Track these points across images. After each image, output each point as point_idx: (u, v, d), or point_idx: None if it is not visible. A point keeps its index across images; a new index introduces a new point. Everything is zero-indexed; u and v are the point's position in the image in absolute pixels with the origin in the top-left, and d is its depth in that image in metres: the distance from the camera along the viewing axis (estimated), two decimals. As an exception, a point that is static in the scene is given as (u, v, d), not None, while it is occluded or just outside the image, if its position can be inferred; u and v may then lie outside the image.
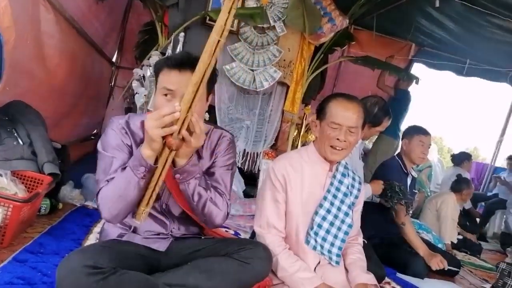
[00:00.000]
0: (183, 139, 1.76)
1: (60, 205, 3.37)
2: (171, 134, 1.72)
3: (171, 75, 1.94)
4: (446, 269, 3.85)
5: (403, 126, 7.04)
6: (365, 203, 2.83)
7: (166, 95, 1.93)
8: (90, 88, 5.68)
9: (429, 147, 4.17)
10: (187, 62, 1.93)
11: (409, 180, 4.18)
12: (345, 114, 2.38)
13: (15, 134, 3.05)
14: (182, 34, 4.37)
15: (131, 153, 1.99)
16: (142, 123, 1.97)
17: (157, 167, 1.80)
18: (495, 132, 9.71)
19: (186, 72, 1.92)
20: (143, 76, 4.20)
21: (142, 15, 6.78)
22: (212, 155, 2.19)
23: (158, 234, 2.15)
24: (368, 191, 3.73)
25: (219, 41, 1.73)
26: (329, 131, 2.40)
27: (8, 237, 2.45)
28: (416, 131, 4.15)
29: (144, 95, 4.10)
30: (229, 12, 1.74)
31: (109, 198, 1.85)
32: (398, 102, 6.80)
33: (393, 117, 6.75)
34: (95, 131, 7.42)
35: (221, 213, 2.08)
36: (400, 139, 6.75)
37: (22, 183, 2.80)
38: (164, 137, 1.74)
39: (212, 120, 4.73)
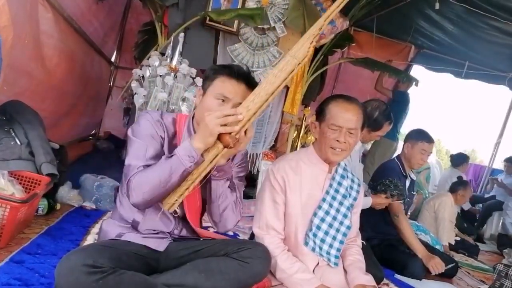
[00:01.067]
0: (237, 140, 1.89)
1: (58, 206, 3.34)
2: (229, 133, 1.85)
3: (231, 84, 2.09)
4: (443, 271, 3.84)
5: (403, 128, 7.05)
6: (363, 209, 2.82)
7: (221, 100, 2.07)
8: (89, 88, 5.66)
9: (430, 154, 4.15)
10: (245, 76, 2.12)
11: (407, 183, 4.17)
12: (345, 116, 2.38)
13: (13, 134, 3.03)
14: (182, 34, 4.35)
15: (162, 145, 2.09)
16: (174, 120, 2.18)
17: (203, 160, 1.90)
18: (493, 134, 9.75)
19: (242, 84, 2.10)
20: (143, 77, 4.18)
21: (141, 15, 6.77)
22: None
23: (158, 233, 2.15)
24: (367, 202, 3.72)
25: (299, 64, 1.98)
26: (329, 133, 2.39)
27: (5, 238, 2.43)
28: (421, 137, 4.09)
29: (143, 96, 4.08)
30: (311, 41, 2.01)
31: (147, 183, 1.89)
32: (397, 104, 6.80)
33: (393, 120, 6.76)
34: (93, 131, 7.41)
35: (235, 218, 2.22)
36: (399, 141, 6.78)
37: (20, 183, 2.78)
38: (219, 135, 1.85)
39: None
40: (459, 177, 6.26)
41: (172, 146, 2.10)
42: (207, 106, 2.07)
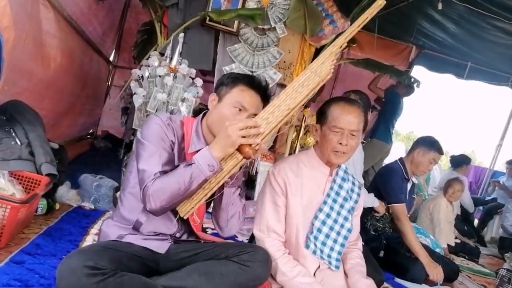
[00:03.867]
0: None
1: (57, 206, 3.34)
2: (249, 144, 1.89)
3: (249, 94, 2.12)
4: (441, 283, 3.81)
5: (401, 129, 7.05)
6: (364, 207, 2.81)
7: (238, 109, 2.08)
8: (88, 87, 5.66)
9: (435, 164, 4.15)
10: (263, 88, 2.17)
11: (409, 186, 4.14)
12: (346, 118, 2.36)
13: (13, 134, 3.02)
14: (181, 34, 4.33)
15: (173, 149, 2.08)
16: (181, 123, 2.17)
17: (221, 169, 1.93)
18: (494, 136, 9.73)
19: (258, 95, 2.14)
20: (142, 77, 4.17)
21: (140, 15, 6.79)
22: None
23: (159, 235, 2.14)
24: (374, 201, 3.72)
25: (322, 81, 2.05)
26: (331, 136, 2.38)
27: (5, 238, 2.42)
28: (434, 147, 4.04)
29: (143, 96, 4.07)
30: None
31: (166, 190, 1.88)
32: (389, 104, 6.80)
33: (385, 121, 6.73)
34: (91, 131, 7.40)
35: (240, 224, 2.27)
36: (392, 143, 6.77)
37: (20, 183, 2.77)
38: (239, 145, 1.89)
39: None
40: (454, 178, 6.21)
41: (181, 150, 2.11)
42: (223, 114, 2.08)
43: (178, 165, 2.01)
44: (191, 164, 1.89)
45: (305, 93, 2.03)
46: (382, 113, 6.89)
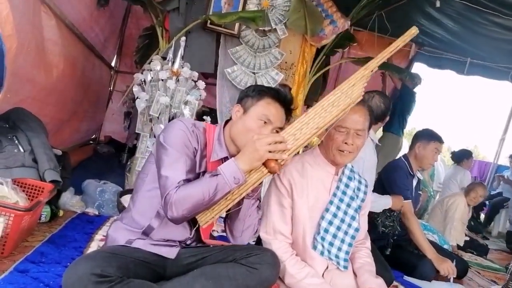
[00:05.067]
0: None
1: (61, 212, 3.33)
2: (275, 159, 1.90)
3: (275, 108, 2.12)
4: (454, 276, 3.80)
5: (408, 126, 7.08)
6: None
7: (264, 122, 2.08)
8: (90, 93, 5.65)
9: (439, 153, 4.13)
10: (288, 101, 2.17)
11: (414, 182, 4.13)
12: (352, 117, 2.34)
13: (16, 141, 3.02)
14: (183, 38, 4.34)
15: (195, 156, 2.07)
16: (204, 130, 2.16)
17: (245, 182, 1.94)
18: (496, 130, 9.74)
19: (283, 109, 2.15)
20: (144, 81, 4.17)
21: (141, 20, 6.81)
22: None
23: (168, 241, 2.12)
24: (387, 202, 3.70)
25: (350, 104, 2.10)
26: (337, 135, 2.36)
27: (9, 246, 2.41)
28: (433, 137, 4.05)
29: (145, 100, 4.07)
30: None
31: (190, 199, 1.87)
32: (405, 99, 6.85)
33: (398, 115, 6.74)
34: (94, 136, 7.40)
35: (253, 235, 2.30)
36: (403, 137, 6.78)
37: (23, 191, 2.77)
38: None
39: (213, 123, 4.72)
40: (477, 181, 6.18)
41: (202, 157, 2.10)
42: (249, 126, 2.07)
43: (199, 173, 2.02)
44: (216, 175, 1.88)
45: (335, 113, 2.06)
46: (396, 107, 6.91)
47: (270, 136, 1.92)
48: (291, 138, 1.97)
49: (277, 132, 2.06)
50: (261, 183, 2.05)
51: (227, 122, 2.22)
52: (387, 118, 3.71)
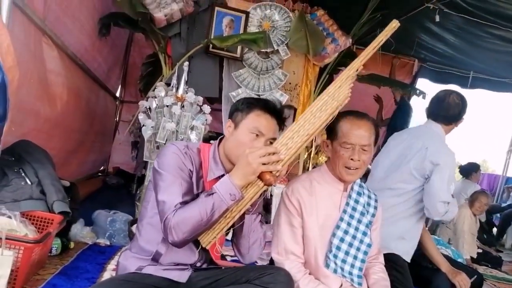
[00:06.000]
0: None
1: (72, 244, 3.31)
2: (270, 171, 1.87)
3: (267, 119, 2.09)
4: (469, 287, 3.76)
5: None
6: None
7: (256, 134, 2.05)
8: (96, 124, 5.68)
9: None
10: (277, 111, 2.14)
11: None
12: (357, 133, 2.32)
13: (23, 174, 3.02)
14: (186, 63, 4.36)
15: (191, 177, 2.04)
16: (198, 150, 2.13)
17: (242, 198, 1.91)
18: (503, 143, 9.71)
19: (274, 119, 2.11)
20: (149, 108, 4.18)
21: (144, 48, 6.86)
22: None
23: (178, 264, 2.09)
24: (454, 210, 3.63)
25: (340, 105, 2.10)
26: (342, 152, 2.33)
27: (20, 280, 2.38)
28: None
29: (151, 127, 4.07)
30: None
31: (188, 222, 1.85)
32: (403, 113, 6.87)
33: (396, 129, 6.77)
34: (102, 167, 7.40)
35: (261, 250, 2.26)
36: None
37: (32, 223, 2.75)
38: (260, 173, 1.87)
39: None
40: (479, 190, 6.16)
41: (199, 178, 2.08)
42: (241, 141, 2.05)
43: (197, 194, 1.99)
44: (212, 194, 1.86)
45: (323, 118, 2.04)
46: (396, 121, 6.89)
47: (262, 148, 1.89)
48: (283, 148, 1.94)
49: (271, 143, 2.04)
50: (260, 196, 2.02)
51: (221, 139, 2.21)
52: (463, 120, 3.50)
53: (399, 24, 2.17)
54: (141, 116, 4.19)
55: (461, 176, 7.84)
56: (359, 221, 2.45)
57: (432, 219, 4.67)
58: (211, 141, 2.60)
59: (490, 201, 5.67)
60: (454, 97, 3.30)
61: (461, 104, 3.30)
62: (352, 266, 2.39)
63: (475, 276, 3.96)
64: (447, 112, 3.26)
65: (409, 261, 3.27)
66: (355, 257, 2.40)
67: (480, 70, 8.20)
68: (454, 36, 6.72)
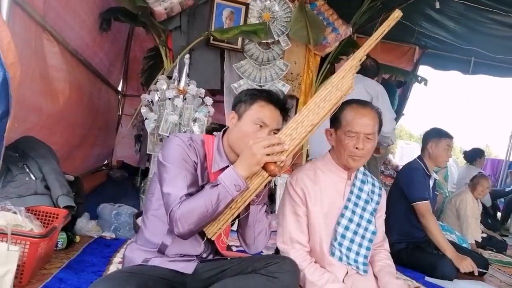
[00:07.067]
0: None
1: (77, 238, 3.32)
2: (274, 162, 1.87)
3: (270, 110, 2.08)
4: (476, 273, 3.77)
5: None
6: (387, 208, 2.75)
7: (259, 125, 2.05)
8: (99, 118, 5.69)
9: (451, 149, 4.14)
10: (281, 102, 2.12)
11: (431, 182, 4.15)
12: (361, 122, 2.32)
13: (27, 169, 3.03)
14: (187, 55, 4.35)
15: (196, 169, 2.05)
16: (202, 142, 2.14)
17: (247, 188, 1.92)
18: (506, 127, 9.72)
19: (278, 110, 2.10)
20: (151, 101, 4.18)
21: (145, 42, 6.84)
22: None
23: (184, 256, 2.10)
24: None
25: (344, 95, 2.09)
26: (347, 140, 2.33)
27: (27, 275, 2.40)
28: (443, 134, 4.13)
29: (154, 120, 4.08)
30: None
31: (193, 213, 1.86)
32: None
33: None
34: (106, 161, 7.42)
35: (266, 240, 2.25)
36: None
37: (38, 218, 2.76)
38: (264, 163, 1.87)
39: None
40: (479, 173, 6.16)
41: (204, 169, 2.08)
42: (244, 132, 2.05)
43: (202, 186, 1.99)
44: (217, 185, 1.87)
45: (327, 108, 2.03)
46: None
47: (266, 139, 1.89)
48: (287, 139, 1.94)
49: (275, 134, 2.03)
50: (265, 186, 2.04)
51: (225, 131, 2.21)
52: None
53: (401, 14, 2.16)
54: (144, 110, 4.19)
55: (464, 161, 7.85)
56: (364, 209, 2.46)
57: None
58: (214, 133, 2.62)
59: (490, 184, 5.68)
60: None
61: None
62: (357, 253, 2.41)
63: (484, 270, 3.98)
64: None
65: None
66: (360, 245, 2.42)
67: (481, 56, 8.19)
68: (454, 22, 6.73)
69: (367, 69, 4.78)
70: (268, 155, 1.85)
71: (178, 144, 2.03)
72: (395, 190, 4.16)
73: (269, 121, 2.05)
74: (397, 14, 2.15)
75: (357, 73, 4.48)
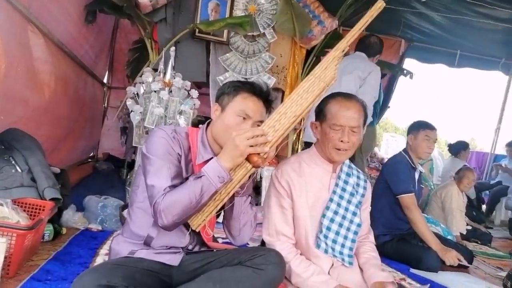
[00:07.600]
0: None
1: (64, 230, 3.32)
2: (258, 153, 1.89)
3: (253, 102, 2.10)
4: (464, 263, 3.83)
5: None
6: (373, 200, 2.79)
7: (243, 117, 2.06)
8: (84, 110, 5.65)
9: (435, 142, 4.17)
10: (264, 93, 2.14)
11: (417, 175, 4.20)
12: (346, 114, 2.34)
13: (13, 162, 3.02)
14: (172, 48, 4.34)
15: (180, 161, 2.05)
16: (186, 134, 2.14)
17: (231, 180, 1.93)
18: (491, 121, 9.79)
19: (261, 101, 2.12)
20: (137, 94, 4.17)
21: (130, 34, 6.81)
22: None
23: (170, 248, 2.12)
24: None
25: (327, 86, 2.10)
26: (332, 133, 2.35)
27: (14, 266, 2.40)
28: (421, 126, 4.18)
29: (140, 112, 4.07)
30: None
31: (177, 205, 1.87)
32: None
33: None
34: (92, 154, 7.39)
35: (252, 232, 2.27)
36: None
37: (24, 210, 2.76)
38: (248, 154, 1.89)
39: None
40: (464, 166, 6.22)
41: (188, 161, 2.09)
42: (228, 124, 2.06)
43: (187, 178, 1.99)
44: (200, 177, 1.88)
45: (310, 99, 2.04)
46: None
47: (249, 130, 1.90)
48: (271, 130, 1.95)
49: (258, 126, 2.04)
50: (249, 178, 2.04)
51: (209, 123, 2.21)
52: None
53: (384, 4, 2.16)
54: (129, 102, 4.18)
55: (449, 154, 7.92)
56: (349, 202, 2.49)
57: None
58: (200, 125, 2.63)
59: (476, 176, 5.74)
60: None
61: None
62: (343, 246, 2.44)
63: (467, 264, 4.02)
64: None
65: None
66: (345, 237, 2.45)
67: (467, 49, 8.21)
68: (440, 16, 6.74)
69: (371, 47, 5.13)
70: (252, 146, 1.86)
71: (162, 136, 2.04)
72: (380, 182, 4.19)
73: (252, 113, 2.07)
74: (379, 5, 2.16)
75: (361, 51, 4.99)
